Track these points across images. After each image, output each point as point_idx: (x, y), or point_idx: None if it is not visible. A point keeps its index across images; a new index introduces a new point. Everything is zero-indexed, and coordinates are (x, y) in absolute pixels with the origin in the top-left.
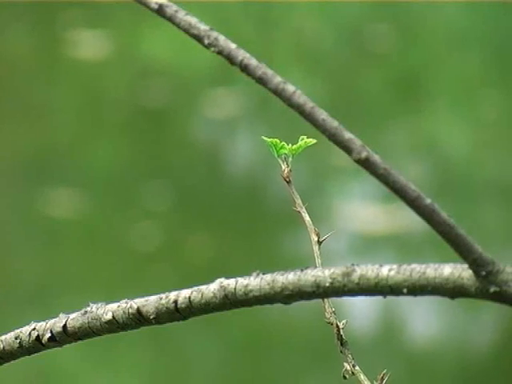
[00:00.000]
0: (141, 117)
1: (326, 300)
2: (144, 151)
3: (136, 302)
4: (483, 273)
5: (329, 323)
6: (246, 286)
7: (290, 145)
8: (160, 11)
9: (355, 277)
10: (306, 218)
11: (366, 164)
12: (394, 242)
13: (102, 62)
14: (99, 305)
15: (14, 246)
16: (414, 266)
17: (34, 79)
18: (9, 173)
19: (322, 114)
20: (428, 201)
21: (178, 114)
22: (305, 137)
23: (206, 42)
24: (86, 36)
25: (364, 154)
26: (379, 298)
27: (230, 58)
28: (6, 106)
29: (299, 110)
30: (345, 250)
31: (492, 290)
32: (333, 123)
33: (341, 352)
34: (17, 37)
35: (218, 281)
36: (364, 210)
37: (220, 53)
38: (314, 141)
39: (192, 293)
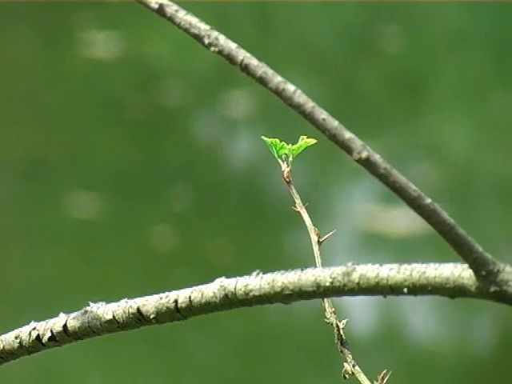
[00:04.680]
0: (157, 117)
1: (325, 300)
2: (159, 152)
3: (136, 302)
4: (483, 272)
5: (329, 323)
6: (246, 285)
7: (291, 145)
8: (160, 11)
9: (355, 276)
10: (306, 217)
11: (367, 164)
12: (395, 241)
13: (115, 63)
14: (99, 304)
15: (30, 246)
16: (414, 265)
17: (46, 80)
18: (27, 174)
19: (323, 114)
20: (428, 200)
21: (193, 114)
22: (305, 136)
23: (207, 41)
24: (98, 37)
25: (364, 154)
26: (379, 297)
27: (230, 58)
28: (20, 106)
29: (300, 109)
30: (345, 250)
31: (492, 289)
32: (333, 123)
33: (341, 352)
34: (29, 37)
35: (218, 280)
36: (364, 210)
37: (220, 52)
38: (314, 141)
39: (192, 292)
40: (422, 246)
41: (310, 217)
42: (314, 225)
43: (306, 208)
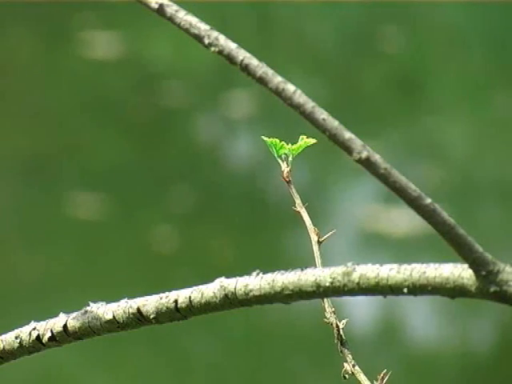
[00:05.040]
0: (158, 118)
1: (325, 300)
2: (160, 153)
3: (136, 302)
4: (483, 272)
5: (328, 323)
6: (246, 285)
7: (290, 144)
8: (160, 11)
9: (355, 276)
10: (306, 217)
11: (367, 164)
12: (396, 241)
13: (115, 63)
14: (99, 304)
15: (30, 246)
16: (414, 265)
17: (47, 80)
18: (28, 175)
19: (323, 114)
20: (428, 200)
21: (194, 115)
22: (304, 136)
23: (207, 41)
24: (98, 37)
25: (364, 154)
26: (379, 297)
27: (230, 58)
28: (21, 106)
29: (300, 109)
30: (346, 250)
31: (492, 289)
32: (333, 123)
33: (340, 352)
34: (29, 37)
35: (218, 280)
36: (365, 210)
37: (220, 52)
38: (314, 140)
39: (192, 292)
40: (423, 247)
41: (311, 217)
42: (314, 225)
43: (306, 208)
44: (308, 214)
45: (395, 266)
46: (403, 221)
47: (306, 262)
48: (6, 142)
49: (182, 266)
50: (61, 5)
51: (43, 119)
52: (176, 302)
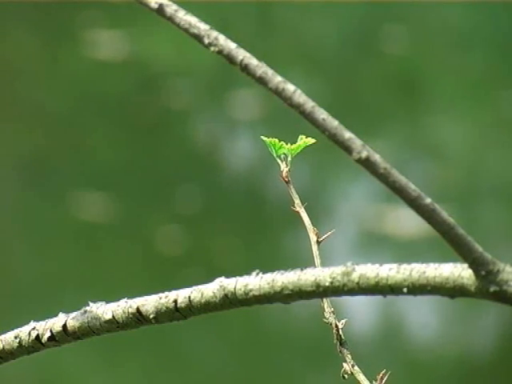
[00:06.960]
0: (162, 118)
1: (325, 300)
2: (164, 153)
3: (136, 302)
4: (483, 272)
5: (328, 323)
6: (246, 285)
7: (290, 144)
8: (160, 11)
9: (355, 276)
10: (305, 217)
11: (367, 163)
12: (399, 242)
13: (119, 63)
14: (99, 304)
15: (32, 247)
16: (413, 265)
17: (51, 79)
18: (31, 175)
19: (323, 114)
20: (428, 200)
21: (199, 115)
22: (303, 136)
23: (206, 41)
24: (102, 37)
25: (364, 154)
26: (379, 297)
27: (230, 58)
28: (24, 106)
29: (299, 109)
30: (349, 251)
31: (492, 289)
32: (333, 123)
33: (340, 352)
34: (33, 37)
35: (218, 280)
36: (368, 210)
37: (220, 52)
38: (313, 140)
39: (192, 292)
40: (427, 247)
41: (316, 217)
42: (317, 225)
43: (310, 208)
44: (312, 214)
45: (395, 265)
46: (408, 221)
47: (312, 263)
48: (10, 142)
49: (185, 267)
50: (65, 4)
51: (47, 119)
52: (175, 301)
